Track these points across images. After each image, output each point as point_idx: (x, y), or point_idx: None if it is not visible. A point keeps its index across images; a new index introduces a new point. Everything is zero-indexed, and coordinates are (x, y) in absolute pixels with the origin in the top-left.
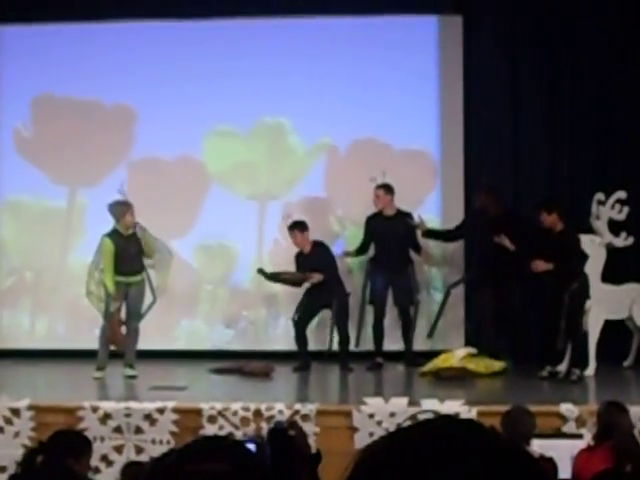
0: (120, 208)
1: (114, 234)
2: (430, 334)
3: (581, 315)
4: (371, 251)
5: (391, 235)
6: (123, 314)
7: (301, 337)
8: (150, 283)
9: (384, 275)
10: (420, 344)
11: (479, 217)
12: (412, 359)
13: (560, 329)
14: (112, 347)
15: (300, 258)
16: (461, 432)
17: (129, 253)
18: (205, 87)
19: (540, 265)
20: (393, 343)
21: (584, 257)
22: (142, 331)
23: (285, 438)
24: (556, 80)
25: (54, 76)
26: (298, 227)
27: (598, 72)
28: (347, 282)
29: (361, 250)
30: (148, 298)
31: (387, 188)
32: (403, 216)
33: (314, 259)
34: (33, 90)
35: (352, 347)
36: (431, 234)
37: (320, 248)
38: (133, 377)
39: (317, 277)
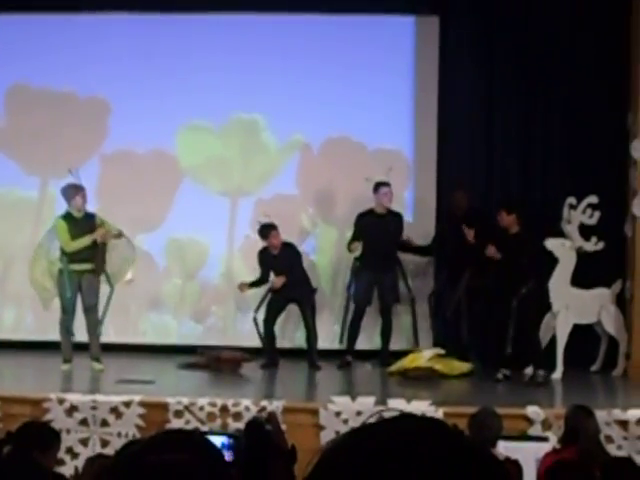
0: (69, 190)
1: (67, 216)
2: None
3: (533, 319)
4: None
5: (381, 234)
6: (78, 308)
7: (269, 334)
8: (105, 271)
9: (370, 274)
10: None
11: (451, 217)
12: (385, 359)
13: (507, 334)
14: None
15: (266, 256)
16: (425, 430)
17: (80, 238)
18: (180, 81)
19: (491, 250)
20: (364, 342)
21: (534, 262)
22: (109, 323)
23: (261, 432)
24: (531, 82)
25: (29, 66)
26: (276, 229)
27: (572, 75)
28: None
29: (355, 241)
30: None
31: (390, 185)
32: (394, 216)
33: (281, 260)
34: (7, 80)
35: (336, 344)
36: (417, 250)
37: (289, 249)
38: (101, 371)
39: (279, 281)
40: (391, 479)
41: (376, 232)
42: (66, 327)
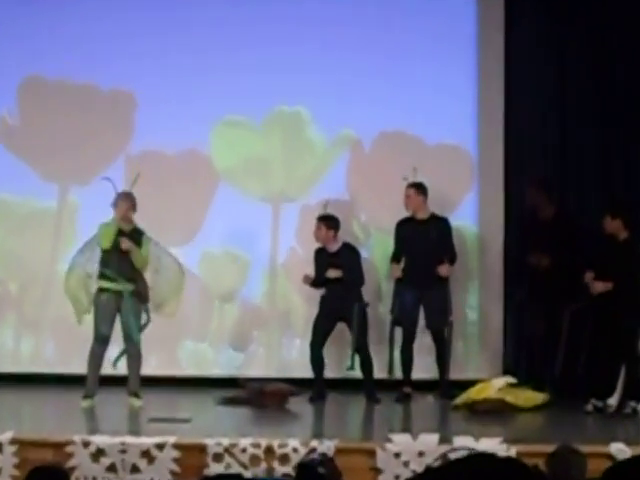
0: (115, 198)
1: (111, 224)
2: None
3: (636, 338)
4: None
5: (423, 243)
6: (118, 335)
7: (316, 360)
8: (147, 296)
9: (414, 291)
10: (453, 372)
11: (529, 220)
12: (447, 390)
13: (615, 355)
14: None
15: (322, 255)
16: (501, 473)
17: (124, 254)
18: (213, 72)
19: (599, 286)
20: (423, 371)
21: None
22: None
23: (314, 476)
24: (610, 69)
25: (45, 56)
26: (325, 221)
27: None
28: (376, 302)
29: (395, 261)
30: None
31: (419, 187)
32: (437, 221)
33: (338, 260)
34: (20, 72)
35: (384, 375)
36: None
37: (349, 251)
38: (140, 408)
39: (334, 272)
40: None
41: (417, 241)
42: (98, 356)
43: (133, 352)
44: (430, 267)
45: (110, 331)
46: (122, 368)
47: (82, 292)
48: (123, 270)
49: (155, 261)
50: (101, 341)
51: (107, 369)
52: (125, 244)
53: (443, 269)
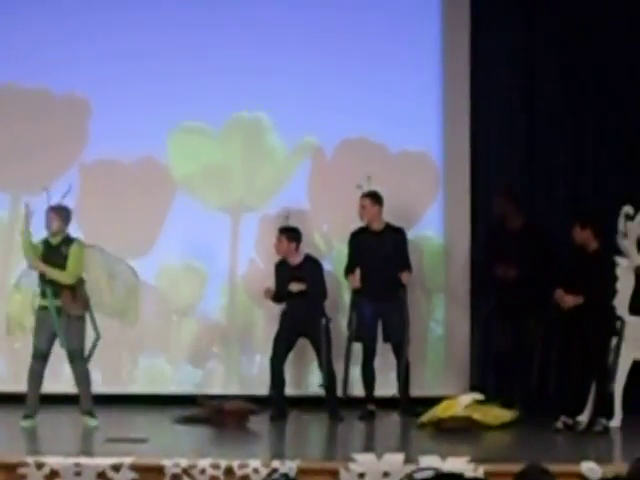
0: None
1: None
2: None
3: (607, 354)
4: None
5: (379, 254)
6: (58, 354)
7: (277, 377)
8: (91, 314)
9: (372, 305)
10: (417, 389)
11: (496, 231)
12: (408, 407)
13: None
14: None
15: (284, 268)
16: None
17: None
18: (171, 76)
19: (569, 300)
20: (385, 388)
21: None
22: (93, 371)
23: None
24: (580, 71)
25: None
26: (286, 233)
27: (631, 60)
28: (337, 316)
29: (348, 273)
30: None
31: (374, 197)
32: (393, 232)
33: (301, 274)
34: None
35: (339, 394)
36: None
37: (312, 264)
38: (95, 428)
39: (297, 286)
40: None
41: (372, 252)
42: (37, 374)
43: (78, 371)
44: (387, 279)
45: (49, 348)
46: (71, 386)
47: (27, 315)
48: (50, 285)
49: (107, 267)
50: (40, 358)
51: (58, 386)
52: (39, 267)
53: (405, 276)
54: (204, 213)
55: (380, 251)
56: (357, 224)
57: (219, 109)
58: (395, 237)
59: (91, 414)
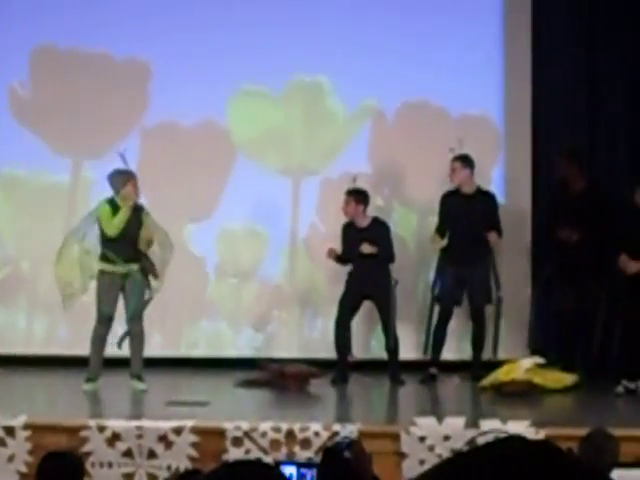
0: (118, 178)
1: (113, 204)
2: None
3: None
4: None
5: (468, 218)
6: (121, 316)
7: (341, 340)
8: (155, 274)
9: (457, 268)
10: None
11: (558, 193)
12: (478, 372)
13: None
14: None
15: (351, 230)
16: (535, 458)
17: (126, 234)
18: (230, 39)
19: (633, 266)
20: (451, 351)
21: None
22: (153, 335)
23: (338, 460)
24: None
25: (57, 24)
26: (354, 195)
27: None
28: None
29: (439, 234)
30: None
31: (465, 160)
32: (484, 196)
33: (370, 236)
34: (32, 40)
35: (420, 355)
36: None
37: (380, 226)
38: (142, 391)
39: (368, 248)
40: None
41: (461, 217)
42: (100, 339)
43: (136, 332)
44: (474, 243)
45: (113, 311)
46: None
47: (76, 272)
48: (126, 252)
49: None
50: (104, 322)
51: (119, 350)
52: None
53: (492, 236)
54: (265, 177)
55: (469, 214)
56: (418, 187)
57: (279, 73)
58: (486, 201)
59: (140, 378)
